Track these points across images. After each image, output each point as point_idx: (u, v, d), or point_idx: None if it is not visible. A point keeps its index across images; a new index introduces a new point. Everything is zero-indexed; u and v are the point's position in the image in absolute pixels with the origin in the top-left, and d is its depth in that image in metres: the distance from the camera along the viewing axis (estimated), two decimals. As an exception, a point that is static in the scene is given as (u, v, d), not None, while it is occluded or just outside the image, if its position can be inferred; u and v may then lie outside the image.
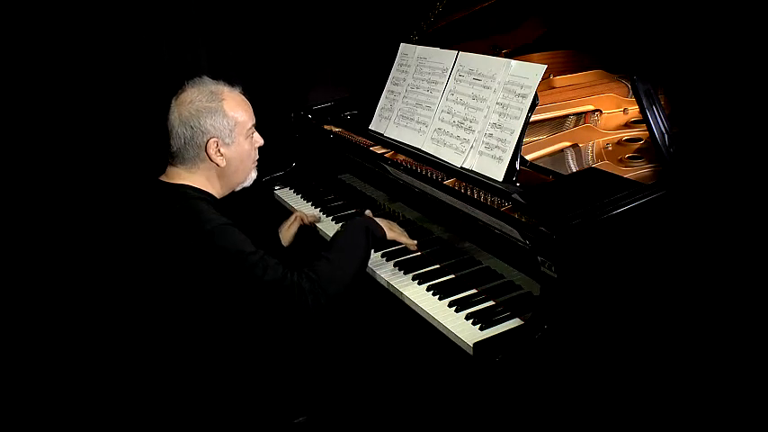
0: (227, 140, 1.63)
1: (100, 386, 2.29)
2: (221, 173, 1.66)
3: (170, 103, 1.65)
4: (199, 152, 1.61)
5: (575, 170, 1.89)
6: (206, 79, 1.66)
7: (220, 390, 1.60)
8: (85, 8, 2.65)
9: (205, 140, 1.60)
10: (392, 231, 1.82)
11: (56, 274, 2.73)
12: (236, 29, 2.98)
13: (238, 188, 1.76)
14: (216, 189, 1.68)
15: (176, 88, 1.67)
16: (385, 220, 1.84)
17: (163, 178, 1.65)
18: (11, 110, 2.62)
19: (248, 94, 1.74)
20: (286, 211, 2.35)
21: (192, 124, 1.59)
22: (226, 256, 1.50)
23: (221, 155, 1.63)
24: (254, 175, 1.78)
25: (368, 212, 1.90)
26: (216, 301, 1.53)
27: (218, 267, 1.50)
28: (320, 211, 2.28)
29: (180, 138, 1.60)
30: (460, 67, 1.97)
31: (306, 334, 1.86)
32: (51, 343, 2.59)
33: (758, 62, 1.61)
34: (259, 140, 1.75)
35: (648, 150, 1.88)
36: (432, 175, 1.87)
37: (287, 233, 2.11)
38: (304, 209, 2.30)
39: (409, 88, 2.16)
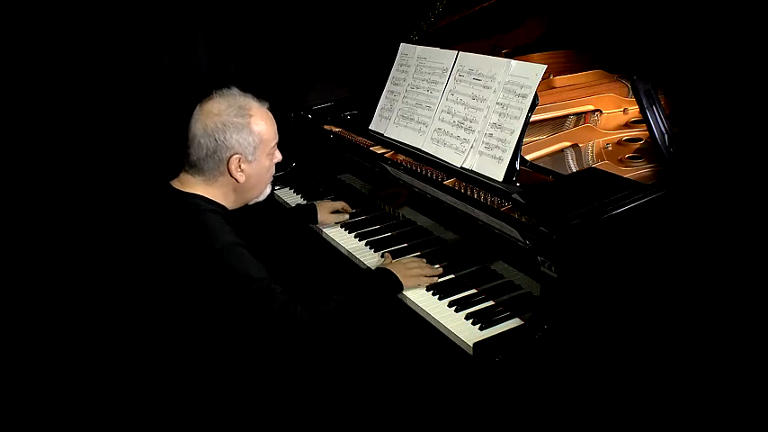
0: (249, 158, 1.61)
1: (102, 390, 2.29)
2: (238, 188, 1.64)
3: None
4: (219, 165, 1.59)
5: (575, 170, 1.89)
6: (235, 91, 1.63)
7: (221, 390, 1.59)
8: (86, 11, 2.65)
9: (228, 155, 1.58)
10: (411, 279, 1.73)
11: (62, 275, 2.73)
12: (236, 29, 2.98)
13: (251, 202, 1.74)
14: (229, 202, 1.66)
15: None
16: (402, 266, 1.76)
17: (175, 184, 1.62)
18: (10, 111, 2.63)
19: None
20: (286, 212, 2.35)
21: (216, 137, 1.56)
22: (232, 278, 1.49)
23: (242, 171, 1.61)
24: (268, 190, 1.76)
25: (387, 258, 1.86)
26: (217, 311, 1.53)
27: (223, 287, 1.49)
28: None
29: (202, 149, 1.57)
30: (460, 67, 1.97)
31: (301, 335, 1.85)
32: (51, 348, 2.58)
33: (757, 62, 1.61)
34: (278, 156, 1.73)
35: (648, 150, 1.88)
36: (432, 175, 1.87)
37: (328, 216, 2.14)
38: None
39: (409, 88, 2.15)
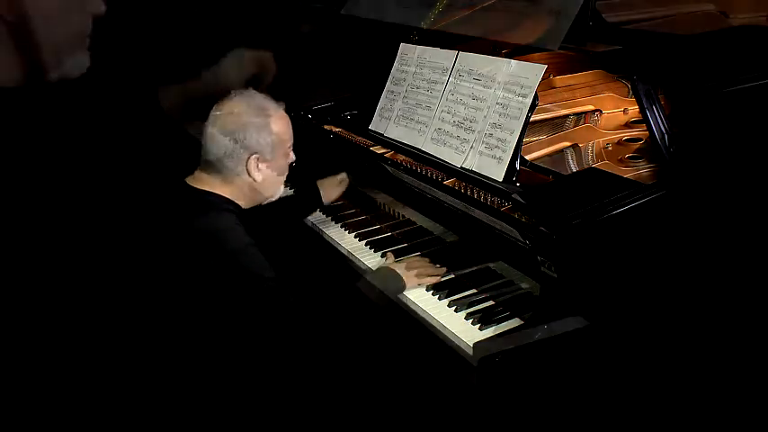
0: (267, 157, 1.63)
1: (104, 391, 2.29)
2: (254, 187, 1.66)
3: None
4: (237, 165, 1.60)
5: (575, 170, 1.89)
6: (252, 92, 1.65)
7: (221, 390, 1.59)
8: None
9: (247, 155, 1.59)
10: (413, 279, 1.74)
11: (75, 271, 2.72)
12: (236, 29, 2.98)
13: (265, 202, 1.75)
14: (245, 201, 1.67)
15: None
16: (405, 266, 1.77)
17: (191, 182, 1.63)
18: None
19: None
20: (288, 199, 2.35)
21: (236, 137, 1.58)
22: (244, 277, 1.50)
23: (259, 170, 1.62)
24: (281, 189, 1.77)
25: (390, 258, 1.87)
26: (228, 310, 1.53)
27: (235, 286, 1.50)
28: (319, 212, 2.28)
29: (221, 149, 1.58)
30: (460, 67, 1.97)
31: (304, 336, 1.86)
32: (60, 346, 2.57)
33: (757, 61, 1.61)
34: (292, 156, 1.75)
35: (648, 150, 1.88)
36: (432, 175, 1.87)
37: (332, 191, 2.14)
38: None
39: (409, 88, 2.15)
